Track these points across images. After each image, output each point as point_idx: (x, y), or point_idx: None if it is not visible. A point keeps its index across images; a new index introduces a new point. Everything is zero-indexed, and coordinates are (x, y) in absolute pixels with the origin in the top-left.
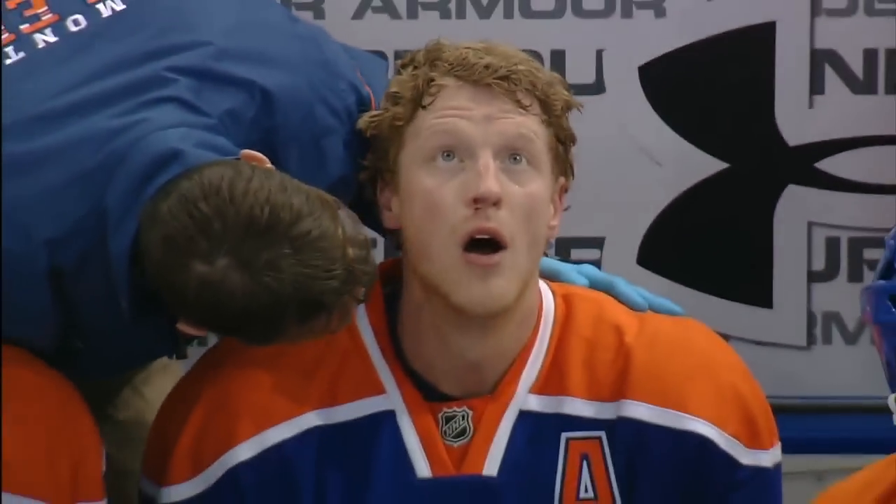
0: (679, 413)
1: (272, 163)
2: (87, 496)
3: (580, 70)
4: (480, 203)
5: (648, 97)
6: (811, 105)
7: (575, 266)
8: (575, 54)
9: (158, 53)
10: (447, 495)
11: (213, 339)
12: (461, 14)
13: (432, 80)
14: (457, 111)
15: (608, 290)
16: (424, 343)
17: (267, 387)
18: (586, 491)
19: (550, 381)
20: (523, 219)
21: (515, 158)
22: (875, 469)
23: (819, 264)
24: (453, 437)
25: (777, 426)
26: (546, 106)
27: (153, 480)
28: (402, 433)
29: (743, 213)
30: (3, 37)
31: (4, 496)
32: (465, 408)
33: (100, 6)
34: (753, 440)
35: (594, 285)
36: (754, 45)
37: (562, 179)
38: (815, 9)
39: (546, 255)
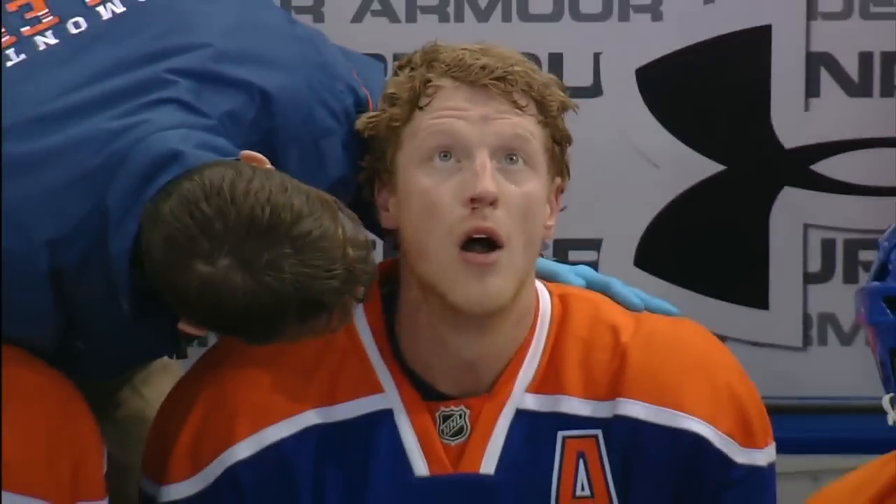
0: (674, 411)
1: (272, 164)
2: (88, 495)
3: (578, 73)
4: (477, 203)
5: (645, 100)
6: (807, 108)
7: (571, 267)
8: (572, 57)
9: (158, 55)
10: (445, 494)
11: (212, 339)
12: (459, 17)
13: (429, 80)
14: (453, 112)
15: (605, 290)
16: (422, 342)
17: (265, 386)
18: (583, 489)
19: (547, 381)
20: (520, 218)
21: (512, 158)
22: (869, 469)
23: (815, 266)
24: (451, 436)
25: (773, 426)
26: (542, 106)
27: (153, 479)
28: (399, 432)
29: (739, 215)
30: (3, 39)
31: (5, 495)
32: (462, 407)
33: (100, 9)
34: (748, 439)
35: (591, 286)
36: (750, 48)
37: (558, 180)
38: (811, 12)
39: (542, 256)
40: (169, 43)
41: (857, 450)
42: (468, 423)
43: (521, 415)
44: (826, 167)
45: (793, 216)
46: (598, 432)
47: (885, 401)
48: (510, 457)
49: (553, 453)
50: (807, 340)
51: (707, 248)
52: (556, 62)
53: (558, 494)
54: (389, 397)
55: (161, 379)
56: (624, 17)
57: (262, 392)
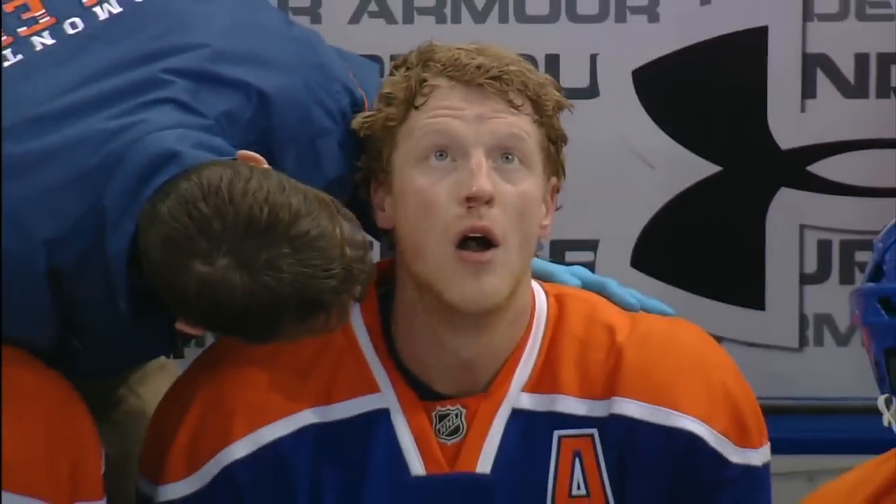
0: (669, 410)
1: (268, 164)
2: (87, 495)
3: (574, 74)
4: (473, 202)
5: (642, 101)
6: (803, 109)
7: (567, 268)
8: (569, 58)
9: (155, 55)
10: (441, 493)
11: (210, 339)
12: (456, 19)
13: (425, 80)
14: (449, 111)
15: (600, 291)
16: (418, 342)
17: (262, 385)
18: (578, 488)
19: (543, 380)
20: (515, 217)
21: (507, 158)
22: (864, 469)
23: (811, 266)
24: (447, 436)
25: (769, 427)
26: (537, 106)
27: (150, 479)
28: (396, 431)
29: (736, 216)
30: (1, 39)
31: (4, 495)
32: (458, 406)
33: (97, 9)
34: (743, 439)
35: (586, 286)
36: (747, 49)
37: (553, 179)
38: (807, 13)
39: (538, 256)
40: (166, 43)
41: (854, 450)
42: (464, 423)
43: (517, 414)
44: (822, 168)
45: (789, 217)
46: (594, 431)
47: (881, 401)
48: (506, 456)
49: (549, 452)
50: (803, 341)
51: (703, 248)
52: (552, 63)
53: (554, 494)
54: (386, 397)
55: (158, 379)
56: (620, 18)
57: (258, 391)
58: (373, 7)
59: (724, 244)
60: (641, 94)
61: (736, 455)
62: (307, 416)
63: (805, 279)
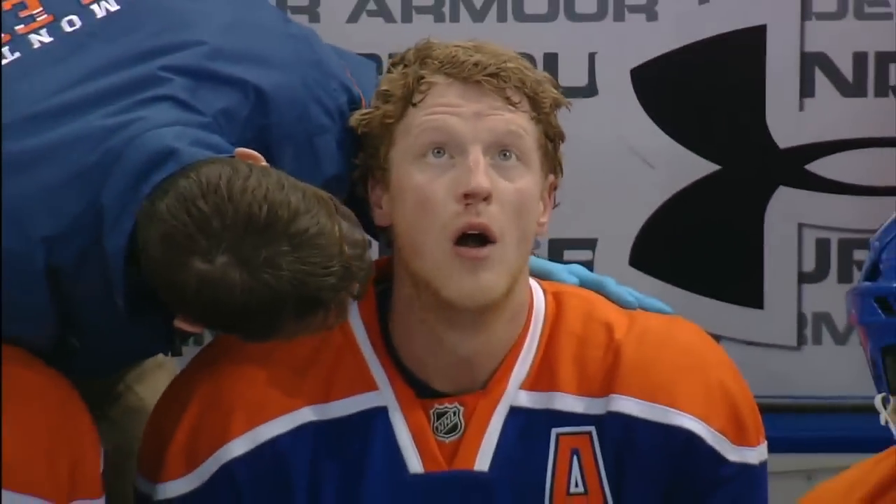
0: (667, 408)
1: (266, 161)
2: (86, 494)
3: (573, 73)
4: (471, 198)
5: (640, 100)
6: (801, 108)
7: (565, 266)
8: (568, 57)
9: (153, 53)
10: (439, 491)
11: (208, 337)
12: (455, 17)
13: (422, 77)
14: (447, 108)
15: (598, 289)
16: (416, 340)
17: (261, 383)
18: (576, 486)
19: (541, 378)
20: (513, 214)
21: (505, 154)
22: (861, 468)
23: (809, 265)
24: (445, 433)
25: (768, 425)
26: (535, 103)
27: (148, 478)
28: (394, 429)
29: (734, 215)
30: None
31: (4, 494)
32: (456, 404)
33: (94, 7)
34: (740, 437)
35: (584, 285)
36: (745, 48)
37: (551, 177)
38: (805, 12)
39: (535, 255)
40: (164, 40)
41: (852, 449)
42: (462, 421)
43: (515, 412)
44: (821, 167)
45: (787, 216)
46: (592, 429)
47: (877, 401)
48: (504, 454)
49: (547, 450)
50: (801, 340)
51: (702, 247)
52: (551, 62)
53: (552, 491)
54: (384, 395)
55: (156, 376)
56: (619, 17)
57: (257, 389)
58: (371, 6)
59: (722, 243)
60: (640, 92)
61: (733, 453)
62: (305, 414)
63: (803, 278)
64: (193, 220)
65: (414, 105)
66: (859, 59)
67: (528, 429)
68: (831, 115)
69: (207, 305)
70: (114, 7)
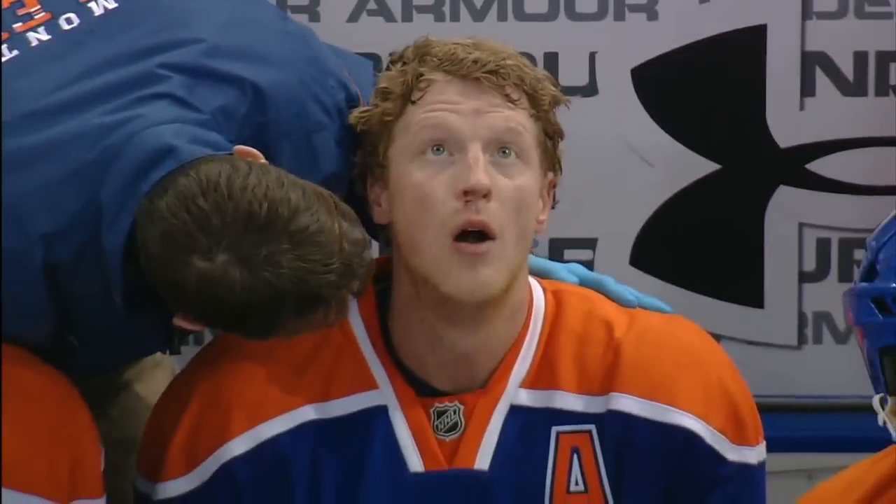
0: (666, 407)
1: (265, 158)
2: (87, 493)
3: (573, 72)
4: (470, 195)
5: (641, 99)
6: (802, 107)
7: (565, 265)
8: (568, 56)
9: (151, 51)
10: (439, 489)
11: (207, 335)
12: (455, 17)
13: (421, 74)
14: (446, 105)
15: (598, 288)
16: (415, 338)
17: (261, 382)
18: (577, 484)
19: (541, 376)
20: (512, 211)
21: (504, 152)
22: (859, 468)
23: (810, 265)
24: (445, 432)
25: (768, 425)
26: (534, 100)
27: (148, 477)
28: (394, 428)
29: (734, 214)
30: None
31: (4, 493)
32: (456, 402)
33: (92, 4)
34: (739, 436)
35: (584, 284)
36: (746, 47)
37: (550, 175)
38: (806, 12)
39: (535, 254)
40: (162, 38)
41: (852, 448)
42: (462, 419)
43: (515, 410)
44: (821, 166)
45: (788, 215)
46: (592, 427)
47: (875, 401)
48: (504, 452)
49: (547, 449)
50: (801, 339)
51: (702, 246)
52: (551, 61)
53: (552, 490)
54: (384, 393)
55: (154, 375)
56: (619, 16)
57: (257, 388)
58: (371, 5)
59: (722, 242)
60: (640, 92)
61: (732, 452)
62: (306, 413)
63: (804, 277)
64: (193, 218)
65: (413, 102)
66: (860, 58)
67: (528, 427)
68: (832, 114)
69: (207, 303)
70: (111, 5)
